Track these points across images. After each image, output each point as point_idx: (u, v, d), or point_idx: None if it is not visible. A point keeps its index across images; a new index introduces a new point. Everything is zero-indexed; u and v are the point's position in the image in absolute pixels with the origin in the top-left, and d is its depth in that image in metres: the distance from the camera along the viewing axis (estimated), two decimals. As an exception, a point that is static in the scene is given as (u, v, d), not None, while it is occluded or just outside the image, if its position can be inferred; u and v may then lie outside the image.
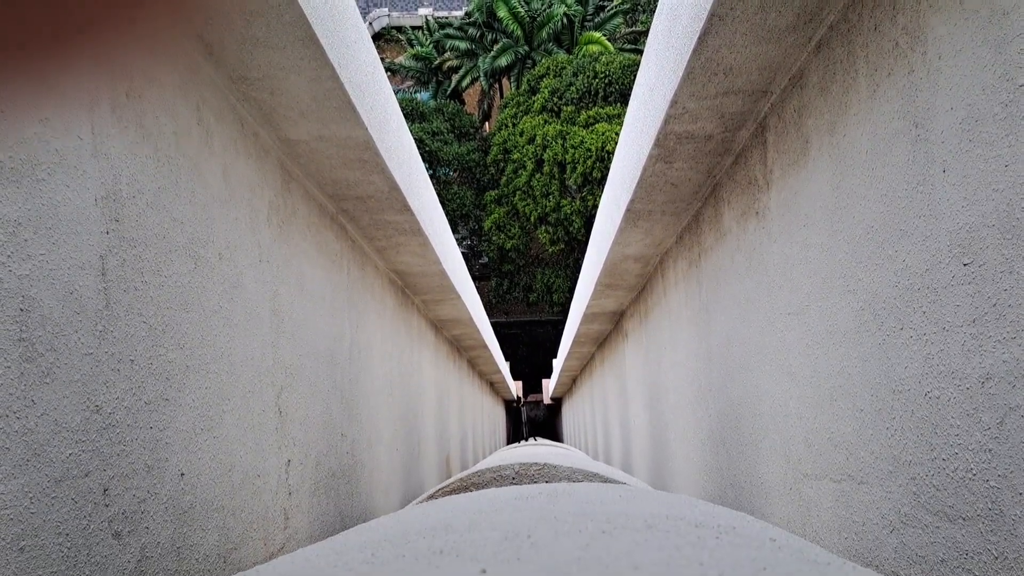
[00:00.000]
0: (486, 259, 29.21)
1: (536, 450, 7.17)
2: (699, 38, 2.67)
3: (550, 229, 24.62)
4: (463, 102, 32.48)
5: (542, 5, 30.16)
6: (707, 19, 2.53)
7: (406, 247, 5.27)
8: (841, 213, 2.48)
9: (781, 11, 2.50)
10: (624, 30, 30.41)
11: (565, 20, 29.85)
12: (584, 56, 25.89)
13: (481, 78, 31.14)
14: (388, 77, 3.93)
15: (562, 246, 24.81)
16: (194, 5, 2.26)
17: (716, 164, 3.83)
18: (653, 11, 28.81)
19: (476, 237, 29.42)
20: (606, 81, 24.23)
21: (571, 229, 24.06)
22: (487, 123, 32.84)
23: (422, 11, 38.89)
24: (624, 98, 23.40)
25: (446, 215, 6.96)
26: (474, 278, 10.60)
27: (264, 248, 3.02)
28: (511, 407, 27.69)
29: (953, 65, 1.84)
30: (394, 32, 36.97)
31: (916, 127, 2.00)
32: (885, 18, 2.15)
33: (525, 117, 25.45)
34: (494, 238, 26.29)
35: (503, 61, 30.03)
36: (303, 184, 3.62)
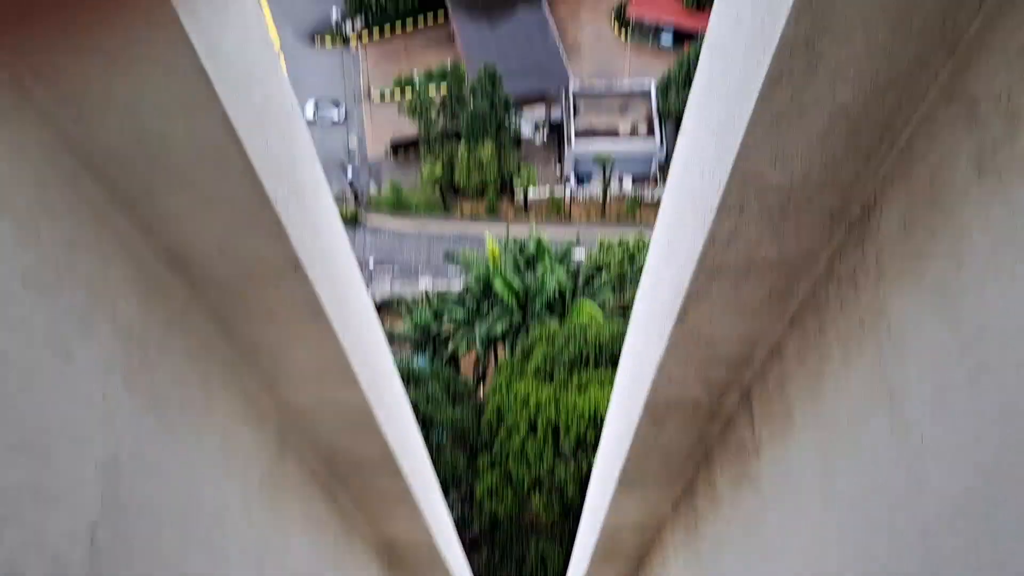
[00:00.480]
0: (477, 529, 28.05)
1: None
2: (679, 312, 2.86)
3: (544, 496, 24.02)
4: (458, 366, 33.23)
5: (535, 280, 31.98)
6: (685, 296, 2.74)
7: (397, 514, 5.14)
8: (830, 480, 2.50)
9: (753, 290, 2.70)
10: (612, 301, 32.01)
11: (557, 293, 31.52)
12: (576, 324, 27.02)
13: (477, 344, 32.13)
14: (388, 342, 4.12)
15: (557, 513, 24.02)
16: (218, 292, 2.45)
17: (706, 430, 3.89)
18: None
19: (467, 504, 28.49)
20: (597, 348, 25.06)
21: (566, 495, 23.46)
22: (481, 386, 33.31)
23: (422, 283, 41.30)
24: (614, 363, 24.03)
25: (438, 479, 6.87)
26: (464, 548, 10.14)
27: (253, 515, 2.97)
28: None
29: (916, 341, 1.95)
30: (395, 303, 38.83)
31: (891, 398, 2.09)
32: (849, 297, 2.33)
33: (519, 382, 25.91)
34: (486, 505, 25.52)
35: (498, 329, 31.22)
36: (297, 449, 3.63)
